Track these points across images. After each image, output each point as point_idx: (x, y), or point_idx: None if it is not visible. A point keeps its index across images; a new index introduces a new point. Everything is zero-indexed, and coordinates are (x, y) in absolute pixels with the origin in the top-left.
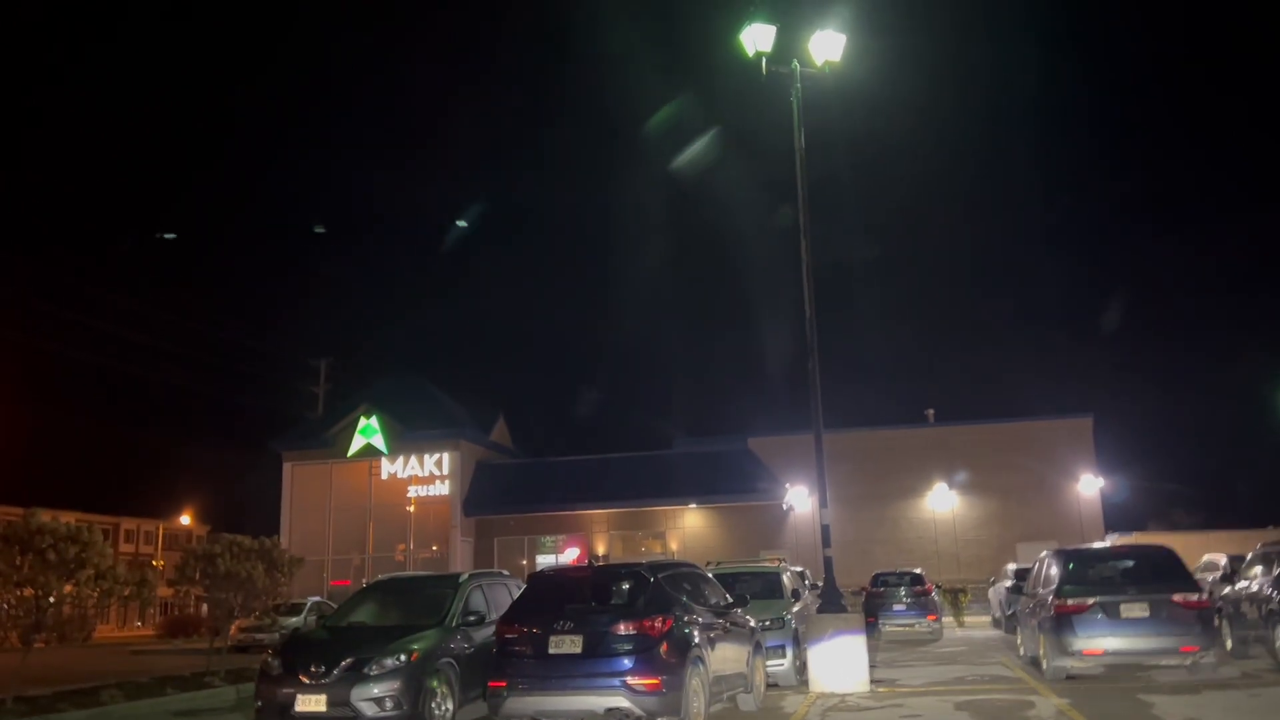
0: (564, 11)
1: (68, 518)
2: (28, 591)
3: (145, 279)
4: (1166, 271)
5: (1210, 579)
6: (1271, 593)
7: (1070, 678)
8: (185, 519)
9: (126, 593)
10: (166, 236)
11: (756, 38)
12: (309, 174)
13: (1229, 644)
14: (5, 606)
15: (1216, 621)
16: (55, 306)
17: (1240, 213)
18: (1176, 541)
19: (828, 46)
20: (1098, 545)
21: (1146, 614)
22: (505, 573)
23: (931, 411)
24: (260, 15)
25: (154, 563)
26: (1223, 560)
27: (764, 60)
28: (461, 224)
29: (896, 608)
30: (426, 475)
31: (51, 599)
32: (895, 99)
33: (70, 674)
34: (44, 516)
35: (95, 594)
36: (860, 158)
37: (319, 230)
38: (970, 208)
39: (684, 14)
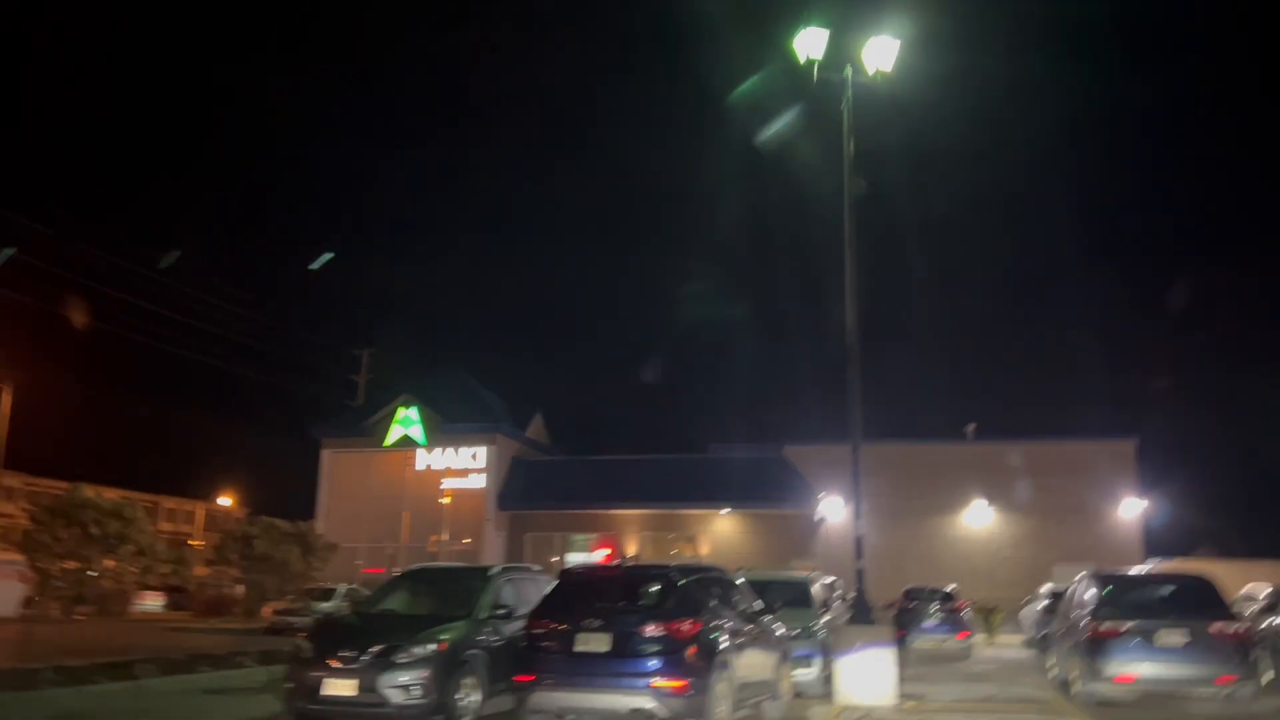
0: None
1: (111, 494)
2: (70, 564)
3: (194, 262)
4: (1218, 291)
5: (1249, 610)
6: None
7: (1101, 703)
8: (225, 501)
9: (165, 570)
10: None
11: (809, 43)
12: (355, 162)
13: (1269, 676)
14: (48, 578)
15: (1255, 653)
16: (103, 286)
17: None
18: (1218, 570)
19: (881, 54)
20: (1136, 570)
21: (1183, 642)
22: (536, 568)
23: (972, 427)
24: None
25: (190, 542)
26: (1265, 591)
27: (815, 66)
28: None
29: (927, 623)
30: (462, 468)
31: (92, 572)
32: (945, 110)
33: (106, 647)
34: (88, 492)
35: (135, 570)
36: (908, 169)
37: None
38: (1019, 222)
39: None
